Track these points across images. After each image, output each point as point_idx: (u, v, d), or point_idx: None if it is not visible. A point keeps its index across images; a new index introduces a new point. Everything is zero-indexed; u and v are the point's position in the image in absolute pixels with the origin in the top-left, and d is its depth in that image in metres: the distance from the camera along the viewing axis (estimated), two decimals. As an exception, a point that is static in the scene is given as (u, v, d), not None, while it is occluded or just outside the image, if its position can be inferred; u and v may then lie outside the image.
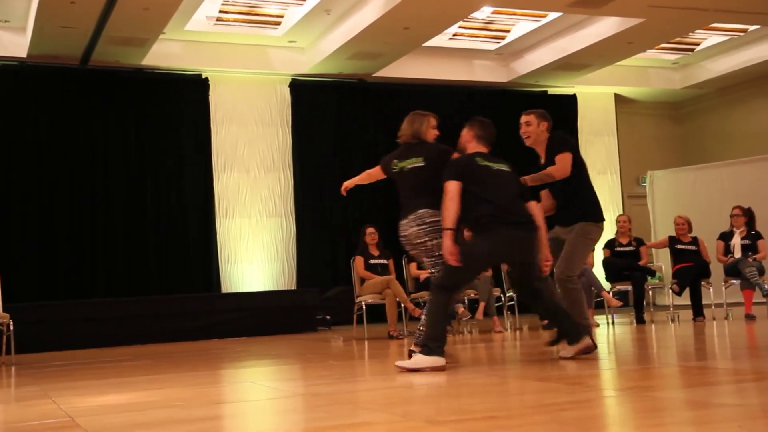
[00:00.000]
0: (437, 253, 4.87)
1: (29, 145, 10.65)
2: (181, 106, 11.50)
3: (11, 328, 7.43)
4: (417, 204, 4.99)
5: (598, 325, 8.56)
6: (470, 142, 5.11)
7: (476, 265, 4.93)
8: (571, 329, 4.96)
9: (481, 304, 8.52)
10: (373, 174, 5.53)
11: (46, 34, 9.69)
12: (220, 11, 10.43)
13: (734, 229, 9.17)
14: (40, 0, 8.78)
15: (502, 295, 9.03)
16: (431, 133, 5.31)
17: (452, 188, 4.73)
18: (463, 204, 4.76)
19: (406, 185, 5.12)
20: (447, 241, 4.61)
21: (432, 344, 4.55)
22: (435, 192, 4.86)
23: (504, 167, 5.03)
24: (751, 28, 11.88)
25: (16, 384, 5.87)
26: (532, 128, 5.98)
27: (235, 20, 10.73)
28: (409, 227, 4.98)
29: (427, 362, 4.49)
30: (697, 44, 12.67)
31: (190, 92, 11.56)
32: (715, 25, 11.43)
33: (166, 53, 11.04)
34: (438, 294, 4.72)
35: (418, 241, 4.97)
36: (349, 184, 5.76)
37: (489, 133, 5.15)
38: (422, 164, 5.07)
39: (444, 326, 4.72)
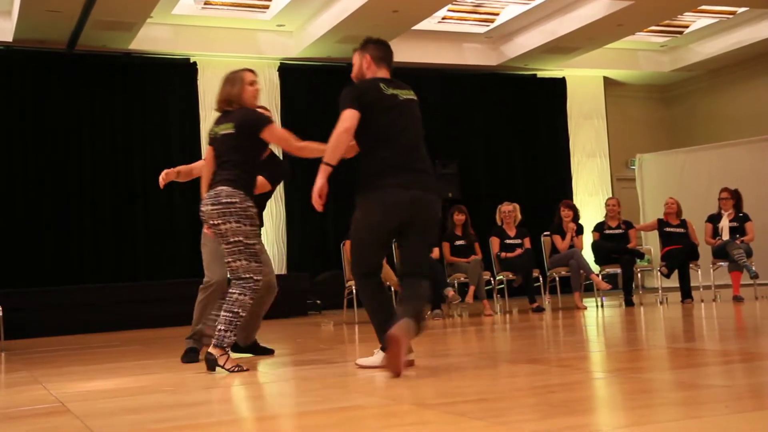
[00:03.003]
0: (231, 240, 4.26)
1: (15, 131, 10.57)
2: (169, 90, 11.44)
3: (0, 314, 7.41)
4: (218, 179, 4.35)
5: (586, 308, 8.61)
6: (369, 67, 4.20)
7: (367, 239, 4.03)
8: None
9: (471, 288, 8.54)
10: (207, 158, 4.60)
11: (32, 19, 9.60)
12: (208, -5, 10.37)
13: (722, 212, 9.21)
14: (26, -17, 8.70)
15: (492, 279, 9.05)
16: (248, 92, 4.47)
17: (349, 117, 3.87)
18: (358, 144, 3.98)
19: (217, 154, 4.45)
20: (320, 179, 3.86)
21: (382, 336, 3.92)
22: (239, 165, 4.31)
23: (411, 95, 4.17)
24: (740, 10, 11.89)
25: (6, 370, 5.86)
26: None
27: (223, 4, 10.66)
28: (207, 204, 4.35)
29: (375, 360, 4.01)
30: (686, 27, 12.68)
31: (178, 77, 11.49)
32: (703, 7, 11.43)
33: (154, 37, 10.96)
34: (359, 282, 4.13)
35: (212, 222, 4.33)
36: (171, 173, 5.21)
37: (388, 53, 4.29)
38: (231, 131, 4.35)
39: (381, 315, 4.00)
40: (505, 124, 13.08)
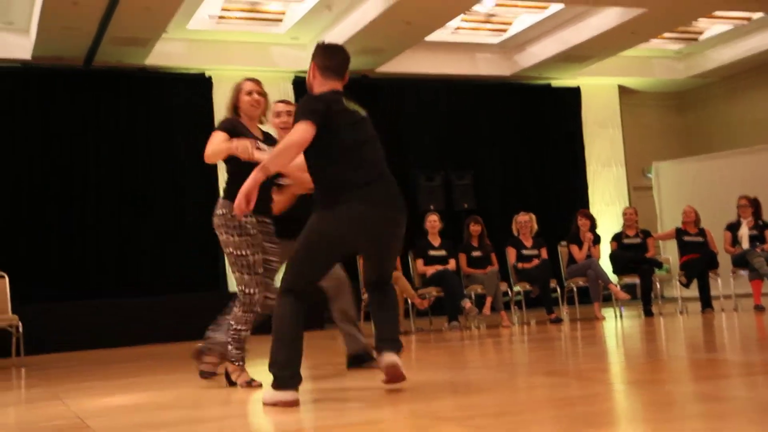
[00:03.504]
0: (226, 252, 4.21)
1: (34, 147, 10.65)
2: (184, 105, 11.49)
3: (20, 330, 7.46)
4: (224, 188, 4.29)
5: (605, 318, 8.55)
6: (314, 78, 3.77)
7: (322, 254, 3.60)
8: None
9: (488, 299, 8.51)
10: None
11: (49, 36, 9.69)
12: (222, 9, 10.42)
13: (741, 220, 9.14)
14: (44, 1, 8.78)
15: (509, 290, 9.01)
16: (243, 102, 4.44)
17: (304, 130, 3.49)
18: (313, 161, 3.64)
19: None
20: (251, 183, 3.51)
21: (281, 373, 3.49)
22: (231, 175, 4.22)
23: (362, 113, 3.80)
24: (755, 16, 11.81)
25: (26, 385, 5.89)
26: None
27: (237, 18, 10.72)
28: (214, 213, 4.27)
29: (276, 397, 3.48)
30: (701, 33, 12.61)
31: (194, 91, 11.54)
32: (718, 13, 11.36)
33: (169, 52, 11.03)
34: (281, 300, 3.59)
35: (216, 231, 4.26)
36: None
37: (339, 60, 3.80)
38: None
39: (297, 346, 3.53)
40: (519, 134, 13.05)
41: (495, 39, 12.18)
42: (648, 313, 8.65)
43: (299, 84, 12.01)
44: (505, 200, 12.57)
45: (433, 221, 8.81)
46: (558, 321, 8.51)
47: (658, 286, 9.82)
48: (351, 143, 3.63)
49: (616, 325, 7.78)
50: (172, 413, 3.66)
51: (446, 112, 12.41)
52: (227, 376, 4.33)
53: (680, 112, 14.69)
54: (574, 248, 9.08)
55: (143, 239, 11.03)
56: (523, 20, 11.57)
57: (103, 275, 10.75)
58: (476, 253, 8.87)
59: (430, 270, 8.57)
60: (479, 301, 8.62)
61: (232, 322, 4.27)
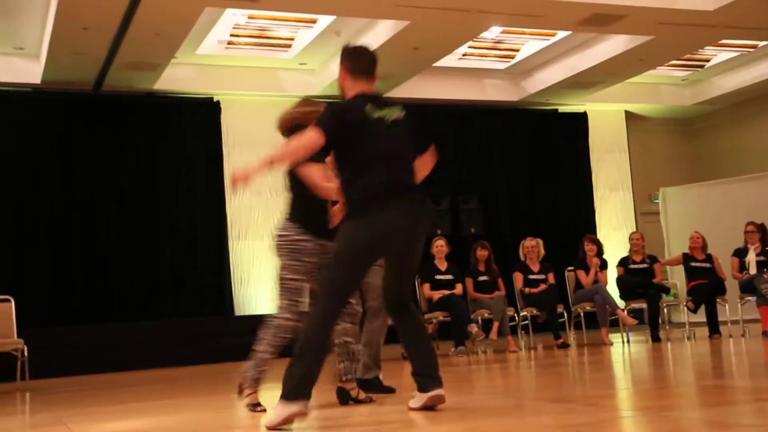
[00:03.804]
0: (279, 273, 4.21)
1: (43, 171, 10.72)
2: (193, 129, 11.56)
3: (25, 354, 7.45)
4: None
5: (612, 344, 8.51)
6: (344, 80, 3.86)
7: (354, 265, 3.62)
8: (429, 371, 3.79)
9: (495, 324, 8.49)
10: None
11: (59, 61, 9.78)
12: (231, 35, 10.51)
13: (749, 245, 9.12)
14: (54, 27, 8.87)
15: (516, 315, 8.99)
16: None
17: (313, 139, 3.53)
18: (339, 173, 3.69)
19: None
20: (257, 169, 3.52)
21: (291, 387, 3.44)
22: (295, 198, 4.23)
23: (399, 114, 3.81)
24: (761, 43, 11.86)
25: (31, 410, 5.87)
26: None
27: (246, 44, 10.80)
28: (276, 233, 4.30)
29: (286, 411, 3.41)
30: (707, 60, 12.66)
31: (202, 116, 11.62)
32: (724, 41, 11.42)
33: (178, 77, 11.12)
34: (317, 311, 3.59)
35: (275, 252, 4.28)
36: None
37: (365, 61, 3.87)
38: None
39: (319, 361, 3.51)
40: (526, 159, 13.07)
41: (502, 65, 12.24)
42: (655, 338, 8.61)
43: (307, 109, 12.07)
44: (512, 225, 12.57)
45: (440, 246, 8.81)
46: (565, 346, 8.47)
47: (666, 311, 9.78)
48: (373, 152, 3.62)
49: (624, 351, 7.74)
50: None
51: (453, 137, 12.43)
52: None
53: (687, 138, 14.70)
54: (581, 273, 9.06)
55: (149, 263, 11.05)
56: (530, 46, 11.63)
57: (109, 299, 10.75)
58: (483, 278, 8.86)
59: (437, 294, 8.55)
60: (486, 326, 8.59)
61: (260, 344, 4.21)
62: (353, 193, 3.63)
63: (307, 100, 4.52)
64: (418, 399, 3.76)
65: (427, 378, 3.73)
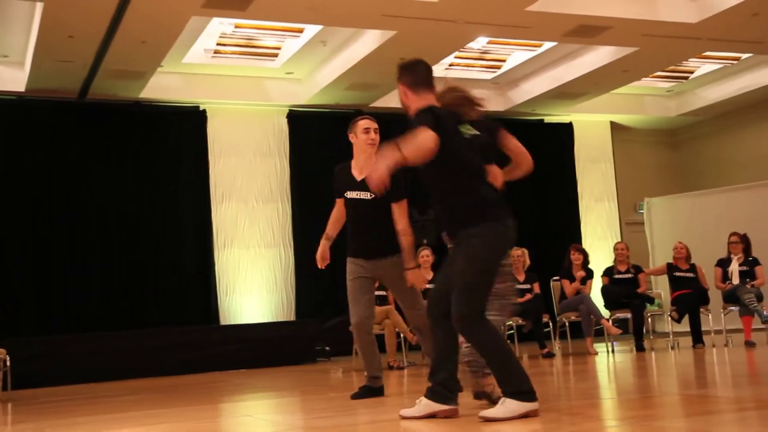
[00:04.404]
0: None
1: (28, 179, 10.65)
2: (179, 138, 11.53)
3: (8, 363, 7.39)
4: None
5: (597, 353, 8.54)
6: (407, 96, 3.90)
7: (495, 271, 3.76)
8: (451, 385, 3.90)
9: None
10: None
11: (44, 69, 9.74)
12: (218, 44, 10.50)
13: (732, 256, 9.19)
14: (39, 34, 8.83)
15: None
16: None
17: (432, 138, 3.54)
18: (436, 182, 3.71)
19: None
20: (387, 165, 3.48)
21: (523, 387, 3.65)
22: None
23: (473, 131, 4.06)
24: (744, 56, 11.98)
25: (12, 421, 5.82)
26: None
27: (233, 53, 10.80)
28: None
29: (526, 408, 3.64)
30: (691, 72, 12.77)
31: (188, 124, 11.59)
32: (708, 53, 11.52)
33: (164, 86, 11.09)
34: (480, 327, 3.66)
35: None
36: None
37: (422, 72, 3.92)
38: None
39: (512, 360, 3.70)
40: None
41: (488, 75, 12.29)
42: (640, 348, 8.65)
43: (294, 118, 12.08)
44: (498, 235, 12.58)
45: (425, 256, 8.82)
46: (550, 356, 8.49)
47: (650, 321, 9.83)
48: (471, 160, 3.75)
49: (608, 360, 7.77)
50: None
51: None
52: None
53: (672, 149, 14.81)
54: (566, 283, 9.09)
55: (134, 272, 11.00)
56: (516, 57, 11.69)
57: (93, 308, 10.69)
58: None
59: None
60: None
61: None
62: (467, 201, 3.69)
63: (451, 86, 4.43)
64: (425, 407, 3.79)
65: (451, 392, 3.84)
